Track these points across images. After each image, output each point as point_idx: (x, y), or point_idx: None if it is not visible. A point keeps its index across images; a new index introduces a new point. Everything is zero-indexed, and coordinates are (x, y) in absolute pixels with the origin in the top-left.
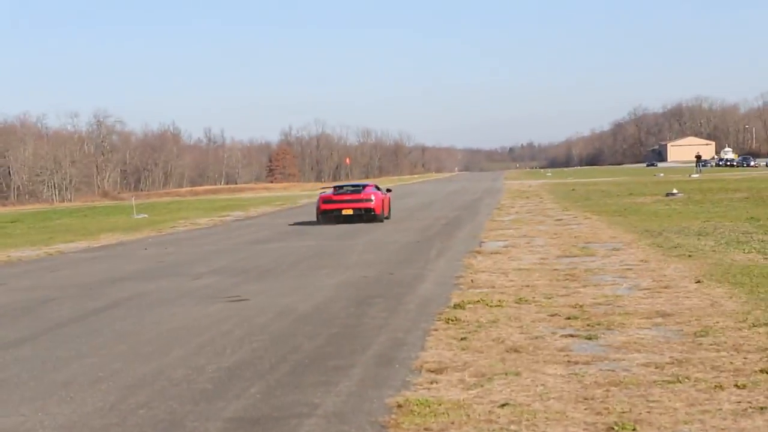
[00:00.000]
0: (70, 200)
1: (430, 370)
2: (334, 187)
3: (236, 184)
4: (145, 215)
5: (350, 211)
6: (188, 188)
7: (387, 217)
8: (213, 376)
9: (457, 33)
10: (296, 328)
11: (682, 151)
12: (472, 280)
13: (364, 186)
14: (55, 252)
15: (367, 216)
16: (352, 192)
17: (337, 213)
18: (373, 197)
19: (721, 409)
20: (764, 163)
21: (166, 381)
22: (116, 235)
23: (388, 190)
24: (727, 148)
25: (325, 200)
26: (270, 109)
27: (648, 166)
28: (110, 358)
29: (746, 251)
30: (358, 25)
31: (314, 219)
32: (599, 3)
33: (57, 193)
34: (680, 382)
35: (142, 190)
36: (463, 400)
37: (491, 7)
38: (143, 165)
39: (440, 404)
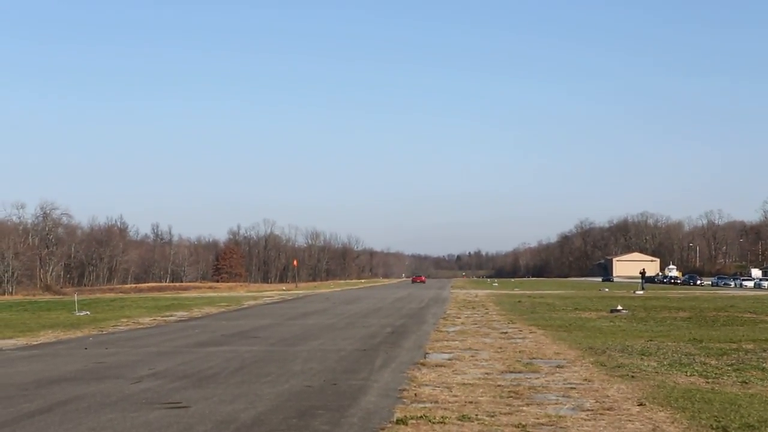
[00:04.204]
0: (12, 293)
1: None
2: (414, 275)
3: (182, 282)
4: (87, 312)
5: (418, 282)
6: (133, 285)
7: (424, 282)
8: None
9: (408, 142)
10: None
11: (628, 266)
12: (415, 394)
13: (421, 275)
14: None
15: (423, 285)
16: (418, 276)
17: (414, 282)
18: (425, 279)
19: None
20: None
21: None
22: (56, 332)
23: (427, 276)
24: (671, 266)
25: (413, 278)
26: (219, 207)
27: (604, 280)
28: None
29: (689, 374)
30: (308, 129)
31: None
32: (547, 114)
33: None
34: None
35: (85, 285)
36: None
37: (443, 115)
38: (88, 259)
39: None
